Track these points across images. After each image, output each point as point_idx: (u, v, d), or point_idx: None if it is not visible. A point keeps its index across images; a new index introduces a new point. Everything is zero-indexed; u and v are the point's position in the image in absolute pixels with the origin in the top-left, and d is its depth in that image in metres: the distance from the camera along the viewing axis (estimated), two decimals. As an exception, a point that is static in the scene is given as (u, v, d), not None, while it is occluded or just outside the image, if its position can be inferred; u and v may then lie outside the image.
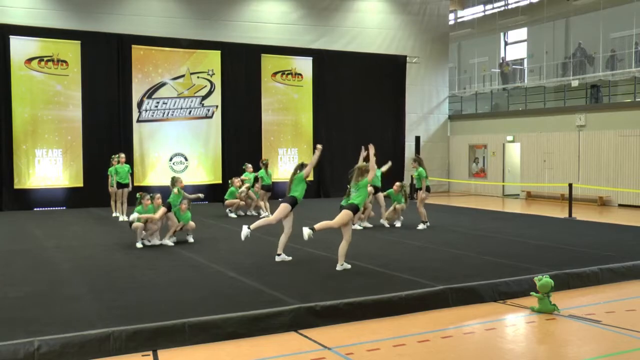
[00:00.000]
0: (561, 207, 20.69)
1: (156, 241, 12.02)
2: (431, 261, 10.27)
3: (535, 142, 24.27)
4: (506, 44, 30.25)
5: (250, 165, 17.65)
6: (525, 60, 28.67)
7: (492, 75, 28.77)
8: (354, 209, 9.42)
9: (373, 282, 8.57)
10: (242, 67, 22.27)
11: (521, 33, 29.52)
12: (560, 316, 7.68)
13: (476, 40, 30.56)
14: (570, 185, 18.21)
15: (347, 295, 7.66)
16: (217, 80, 21.84)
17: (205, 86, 21.73)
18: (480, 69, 29.29)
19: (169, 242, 12.05)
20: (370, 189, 13.54)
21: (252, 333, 6.82)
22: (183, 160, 21.07)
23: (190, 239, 12.27)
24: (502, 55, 29.38)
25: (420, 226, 14.57)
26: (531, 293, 8.13)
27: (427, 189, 14.44)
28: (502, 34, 30.07)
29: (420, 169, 14.35)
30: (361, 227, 14.39)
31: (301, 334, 6.91)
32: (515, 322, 7.67)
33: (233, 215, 16.88)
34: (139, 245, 11.76)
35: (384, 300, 7.70)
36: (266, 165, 17.32)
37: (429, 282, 8.41)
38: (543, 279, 7.94)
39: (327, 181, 23.11)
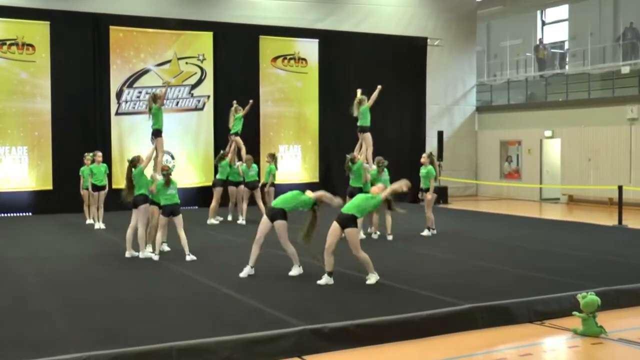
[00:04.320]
0: (609, 212, 20.64)
1: (147, 253, 12.02)
2: (456, 276, 10.27)
3: (578, 138, 24.20)
4: (543, 23, 30.13)
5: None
6: (566, 43, 28.58)
7: (527, 60, 28.69)
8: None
9: (389, 301, 8.59)
10: (237, 51, 22.26)
11: (561, 11, 29.41)
12: (608, 340, 7.66)
13: (508, 20, 30.47)
14: (620, 188, 18.14)
15: (359, 316, 7.67)
16: (208, 66, 21.86)
17: (195, 73, 21.74)
18: (513, 53, 29.19)
19: (149, 253, 12.04)
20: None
21: (250, 359, 6.83)
22: (169, 159, 21.05)
23: (166, 249, 12.33)
24: (539, 37, 29.29)
25: (425, 232, 14.82)
26: (573, 313, 8.10)
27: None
28: (538, 12, 29.97)
29: (430, 166, 14.88)
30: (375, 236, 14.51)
31: (306, 360, 6.94)
32: (555, 346, 7.66)
33: (214, 221, 17.22)
34: (155, 257, 11.80)
35: (402, 321, 7.70)
36: (275, 159, 17.52)
37: (454, 300, 8.40)
38: (587, 297, 7.92)
39: (335, 181, 23.04)
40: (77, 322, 7.61)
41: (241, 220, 17.18)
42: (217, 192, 17.43)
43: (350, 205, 9.77)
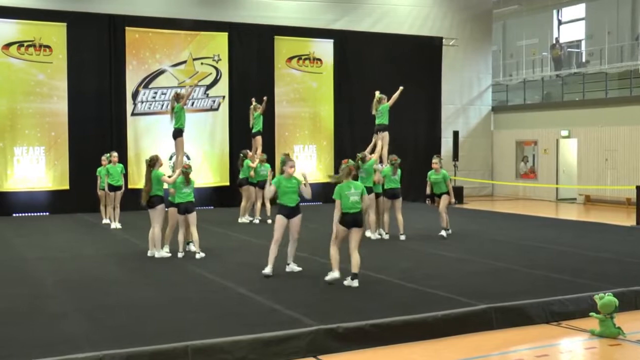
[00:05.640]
0: (627, 213, 20.49)
1: (163, 253, 12.12)
2: (472, 276, 10.23)
3: (595, 138, 24.05)
4: (560, 23, 30.00)
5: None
6: (583, 43, 28.43)
7: (544, 60, 28.56)
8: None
9: (404, 301, 8.56)
10: (252, 52, 22.31)
11: (578, 10, 29.27)
12: (626, 341, 7.61)
13: (524, 19, 30.35)
14: (637, 188, 18.01)
15: (374, 316, 7.66)
16: (223, 66, 21.89)
17: (210, 74, 21.78)
18: (529, 53, 29.09)
19: (165, 253, 12.11)
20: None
21: (265, 358, 6.84)
22: (185, 159, 21.10)
23: (193, 249, 12.27)
24: (556, 36, 29.16)
25: (443, 233, 14.53)
26: (591, 314, 8.05)
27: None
28: (555, 12, 29.84)
29: (444, 170, 14.68)
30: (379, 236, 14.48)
31: (321, 360, 6.93)
32: (571, 347, 7.61)
33: (245, 220, 17.24)
34: (180, 254, 11.96)
35: (417, 322, 7.69)
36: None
37: (469, 301, 8.38)
38: (605, 298, 7.87)
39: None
40: (93, 321, 7.64)
41: (255, 220, 17.29)
42: (244, 190, 17.44)
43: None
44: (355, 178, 10.33)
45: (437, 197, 14.67)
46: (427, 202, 15.32)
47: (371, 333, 7.38)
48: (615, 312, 7.79)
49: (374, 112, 15.22)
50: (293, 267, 10.54)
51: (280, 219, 10.21)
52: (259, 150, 17.92)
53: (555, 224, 18.11)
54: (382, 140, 15.11)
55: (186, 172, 11.98)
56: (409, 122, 23.87)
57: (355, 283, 9.47)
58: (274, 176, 11.42)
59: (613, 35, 26.11)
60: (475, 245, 13.67)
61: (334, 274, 9.64)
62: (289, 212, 10.19)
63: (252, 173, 17.27)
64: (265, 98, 18.84)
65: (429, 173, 14.70)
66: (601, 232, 15.99)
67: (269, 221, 17.07)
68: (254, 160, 17.57)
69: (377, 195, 14.37)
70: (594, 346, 7.47)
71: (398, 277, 9.99)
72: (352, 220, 9.61)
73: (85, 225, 17.07)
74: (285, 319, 7.55)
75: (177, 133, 13.72)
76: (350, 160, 10.08)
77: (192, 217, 11.98)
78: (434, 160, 14.70)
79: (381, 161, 14.86)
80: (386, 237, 14.37)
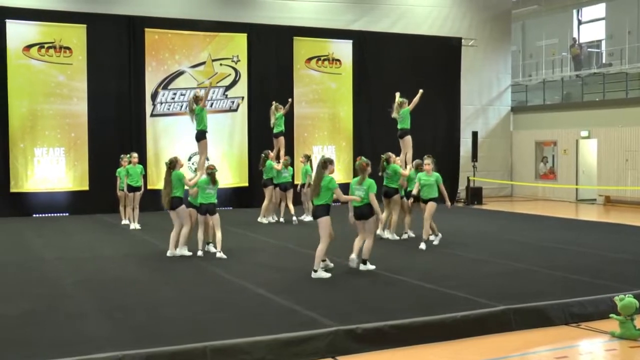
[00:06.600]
0: (646, 214, 20.38)
1: (182, 252, 12.19)
2: (490, 277, 10.20)
3: (615, 138, 23.90)
4: (580, 22, 29.86)
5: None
6: (603, 43, 28.25)
7: (563, 60, 28.41)
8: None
9: (423, 301, 8.55)
10: (271, 53, 22.35)
11: (598, 10, 29.11)
12: (645, 343, 7.56)
13: (544, 19, 30.21)
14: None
15: (393, 317, 7.65)
16: (243, 67, 21.95)
17: (230, 75, 21.84)
18: (548, 53, 28.95)
19: (185, 251, 12.16)
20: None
21: (284, 359, 6.85)
22: (203, 160, 21.22)
23: (213, 250, 12.29)
24: (575, 36, 29.00)
25: (438, 239, 13.56)
26: (611, 315, 8.01)
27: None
28: (574, 12, 29.69)
29: (436, 173, 13.28)
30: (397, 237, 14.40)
31: (339, 361, 6.93)
32: (591, 349, 7.57)
33: (264, 221, 17.29)
34: (199, 253, 12.12)
35: (435, 323, 7.68)
36: (310, 160, 17.71)
37: (487, 302, 8.35)
38: (625, 299, 7.83)
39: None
40: (113, 321, 7.70)
41: (281, 219, 17.49)
42: (268, 191, 17.49)
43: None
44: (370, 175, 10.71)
45: (423, 203, 13.20)
46: (408, 200, 14.11)
47: (390, 334, 7.38)
48: (635, 313, 7.75)
49: (394, 116, 15.12)
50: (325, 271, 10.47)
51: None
52: (282, 151, 17.93)
53: (575, 224, 18.02)
54: (404, 145, 15.03)
55: (212, 172, 11.96)
56: (428, 122, 23.80)
57: (362, 267, 10.58)
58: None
59: (633, 35, 25.95)
60: (494, 246, 13.63)
61: (351, 256, 10.68)
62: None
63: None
64: (290, 100, 18.92)
65: (419, 175, 13.33)
66: (621, 233, 15.90)
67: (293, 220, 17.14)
68: (274, 160, 17.60)
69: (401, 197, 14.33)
70: (614, 348, 7.43)
71: (417, 277, 9.99)
72: (357, 212, 10.56)
73: (104, 226, 17.18)
74: (304, 320, 7.56)
75: (201, 135, 13.71)
76: (362, 157, 10.78)
77: (216, 219, 12.00)
78: (425, 161, 13.30)
79: (405, 165, 14.74)
80: (405, 236, 14.34)
